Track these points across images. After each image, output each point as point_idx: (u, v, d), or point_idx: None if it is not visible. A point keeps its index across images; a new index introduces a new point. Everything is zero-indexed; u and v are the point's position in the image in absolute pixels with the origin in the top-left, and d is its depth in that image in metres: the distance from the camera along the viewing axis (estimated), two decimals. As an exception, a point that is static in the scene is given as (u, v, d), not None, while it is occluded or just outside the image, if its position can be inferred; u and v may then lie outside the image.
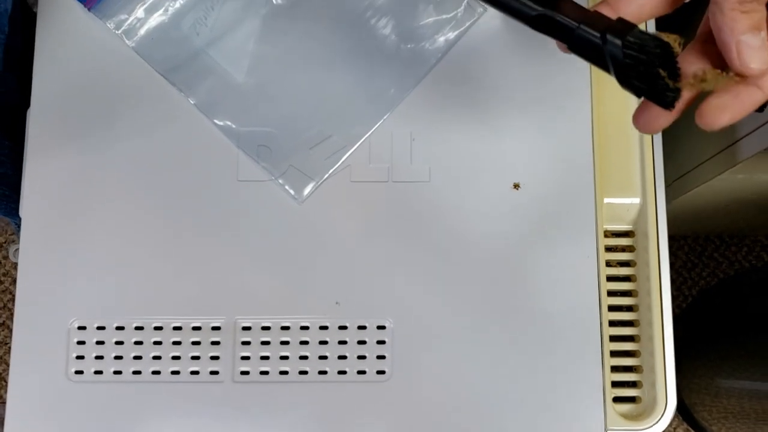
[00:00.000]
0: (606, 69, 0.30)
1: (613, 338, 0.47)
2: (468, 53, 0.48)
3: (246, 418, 0.45)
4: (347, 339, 0.46)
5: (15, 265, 1.02)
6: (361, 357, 0.45)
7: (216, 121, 0.47)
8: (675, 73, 0.30)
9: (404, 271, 0.46)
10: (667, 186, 0.51)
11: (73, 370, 0.45)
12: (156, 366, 0.45)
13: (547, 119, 0.48)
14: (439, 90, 0.48)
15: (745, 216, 0.90)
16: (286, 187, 0.47)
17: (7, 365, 1.02)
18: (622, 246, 0.49)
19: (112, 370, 0.45)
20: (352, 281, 0.46)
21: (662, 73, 0.29)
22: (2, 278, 1.05)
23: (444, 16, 0.48)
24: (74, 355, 0.45)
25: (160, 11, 0.48)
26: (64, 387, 0.45)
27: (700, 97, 0.30)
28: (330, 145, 0.47)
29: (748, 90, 0.30)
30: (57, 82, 0.48)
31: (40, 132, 0.48)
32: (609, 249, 0.49)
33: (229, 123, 0.47)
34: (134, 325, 0.46)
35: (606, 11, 0.31)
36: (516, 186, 0.47)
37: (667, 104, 0.30)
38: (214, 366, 0.45)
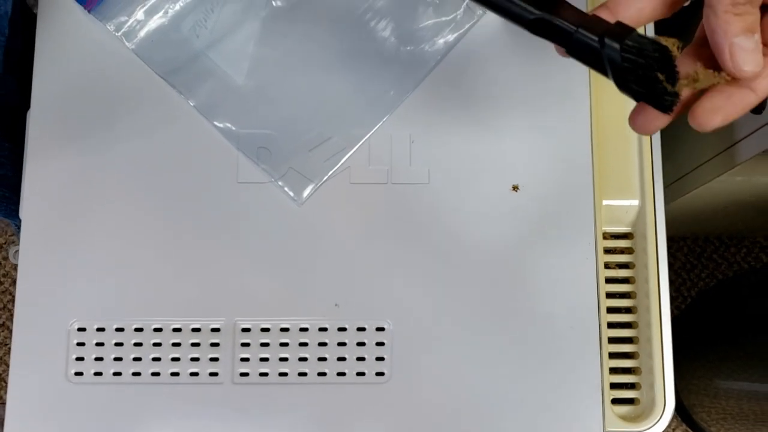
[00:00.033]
0: (604, 73, 0.30)
1: (612, 340, 0.47)
2: (467, 55, 0.48)
3: (245, 419, 0.45)
4: (346, 341, 0.46)
5: (15, 267, 1.02)
6: (361, 359, 0.45)
7: (216, 123, 0.48)
8: (673, 77, 0.29)
9: (403, 272, 0.46)
10: (666, 188, 0.51)
11: (73, 371, 0.45)
12: (155, 367, 0.45)
13: (546, 121, 0.48)
14: (438, 92, 0.48)
15: (744, 218, 0.90)
16: (286, 188, 0.47)
17: (7, 366, 1.02)
18: (621, 248, 0.49)
19: (112, 371, 0.45)
20: (352, 283, 0.46)
21: (661, 77, 0.29)
22: (2, 279, 1.05)
23: (443, 19, 0.49)
24: (74, 356, 0.45)
25: (160, 13, 0.48)
26: (64, 388, 0.45)
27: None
28: (329, 147, 0.47)
29: (741, 92, 0.30)
30: (57, 84, 0.48)
31: (40, 134, 0.48)
32: (608, 251, 0.49)
33: (228, 125, 0.48)
34: (134, 326, 0.46)
35: (605, 15, 0.31)
36: (515, 188, 0.47)
37: (666, 108, 0.30)
38: (214, 367, 0.45)
